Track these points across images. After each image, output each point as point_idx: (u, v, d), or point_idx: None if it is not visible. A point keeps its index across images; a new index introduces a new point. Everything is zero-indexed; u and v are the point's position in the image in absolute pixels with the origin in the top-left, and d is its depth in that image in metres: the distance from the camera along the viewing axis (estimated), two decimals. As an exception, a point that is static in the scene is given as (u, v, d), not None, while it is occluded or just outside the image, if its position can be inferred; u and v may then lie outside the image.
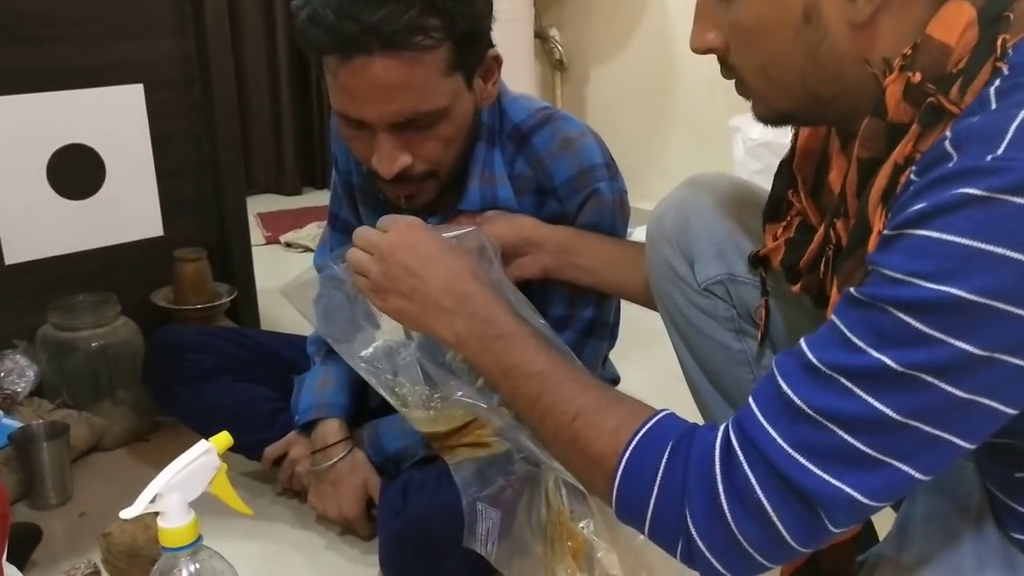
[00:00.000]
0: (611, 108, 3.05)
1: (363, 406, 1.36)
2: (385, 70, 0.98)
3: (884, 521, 0.89)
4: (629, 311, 1.22)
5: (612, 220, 1.16)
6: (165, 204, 1.74)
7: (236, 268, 1.84)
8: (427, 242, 0.94)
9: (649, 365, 1.60)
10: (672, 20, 2.76)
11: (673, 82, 2.79)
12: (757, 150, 2.16)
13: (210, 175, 1.79)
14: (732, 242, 0.98)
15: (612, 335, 1.34)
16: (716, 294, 0.98)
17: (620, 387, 1.51)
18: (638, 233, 1.11)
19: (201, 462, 0.81)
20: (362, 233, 0.97)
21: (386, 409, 1.31)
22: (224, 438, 0.84)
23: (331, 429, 1.30)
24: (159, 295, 1.72)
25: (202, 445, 0.81)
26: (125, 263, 1.71)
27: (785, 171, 0.89)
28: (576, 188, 1.14)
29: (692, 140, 2.78)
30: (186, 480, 0.79)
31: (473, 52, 1.05)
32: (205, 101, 1.74)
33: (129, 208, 1.70)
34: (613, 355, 1.46)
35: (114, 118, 1.65)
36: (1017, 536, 0.75)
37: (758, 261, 0.93)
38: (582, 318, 1.20)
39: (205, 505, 0.80)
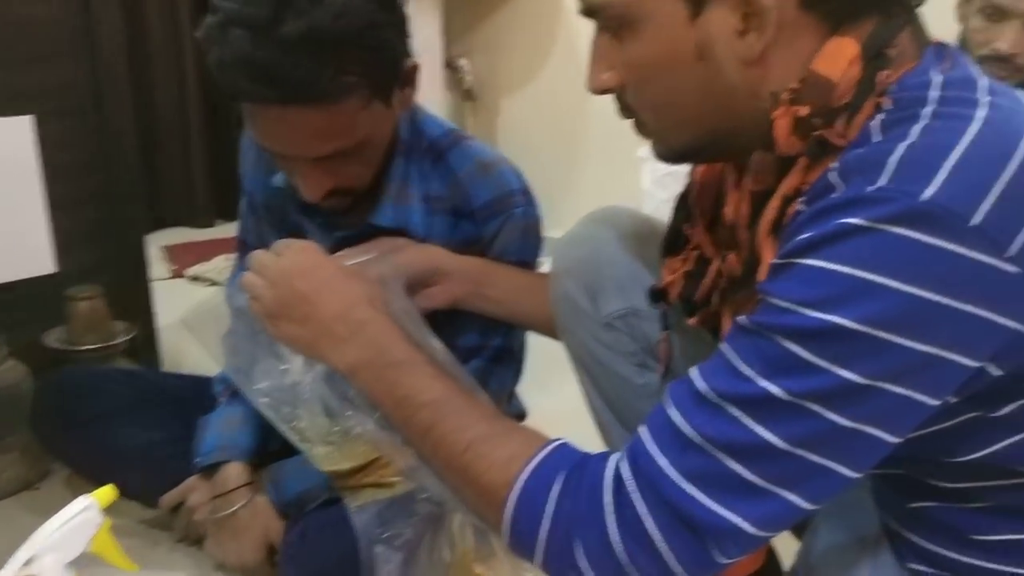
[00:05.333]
0: (522, 137, 3.06)
1: (266, 449, 1.32)
2: (302, 119, 0.96)
3: (788, 554, 0.89)
4: (544, 340, 1.21)
5: (528, 246, 1.17)
6: (58, 239, 1.65)
7: (135, 305, 1.77)
8: (321, 267, 0.91)
9: (561, 395, 1.59)
10: (582, 50, 2.77)
11: (584, 111, 2.82)
12: (665, 180, 2.19)
13: (106, 208, 1.72)
14: (634, 276, 0.98)
15: (518, 369, 1.33)
16: (619, 328, 0.99)
17: (532, 417, 1.50)
18: (547, 264, 1.11)
19: (81, 519, 0.77)
20: (256, 257, 0.94)
21: (289, 452, 1.27)
22: (107, 492, 0.80)
23: (233, 473, 1.25)
24: (51, 335, 1.64)
25: (81, 501, 0.77)
26: (14, 301, 1.62)
27: (682, 205, 0.90)
28: (494, 212, 1.14)
29: (603, 169, 2.81)
30: (64, 540, 0.75)
31: (392, 82, 1.04)
32: (100, 130, 1.68)
33: (18, 244, 1.62)
34: (525, 383, 1.44)
35: (1, 150, 1.57)
36: (913, 566, 0.76)
37: (658, 295, 0.93)
38: (491, 346, 1.19)
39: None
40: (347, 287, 0.90)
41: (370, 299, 0.89)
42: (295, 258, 0.92)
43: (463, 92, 3.10)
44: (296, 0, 0.93)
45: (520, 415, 1.48)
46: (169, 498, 1.30)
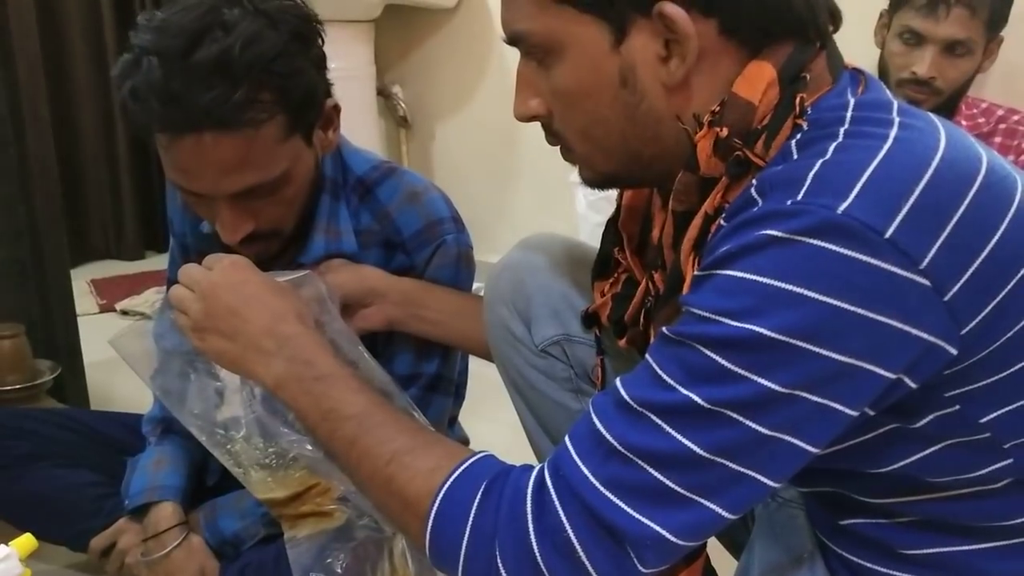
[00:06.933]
0: (457, 163, 3.06)
1: (201, 487, 1.29)
2: (217, 148, 0.95)
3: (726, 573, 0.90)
4: (483, 366, 1.21)
5: (460, 273, 1.16)
6: (-23, 277, 1.62)
7: (60, 343, 1.73)
8: (251, 281, 0.90)
9: (501, 419, 1.59)
10: (514, 76, 2.81)
11: (517, 136, 2.83)
12: (598, 204, 2.20)
13: (28, 244, 1.68)
14: (566, 302, 0.98)
15: (459, 395, 1.32)
16: (553, 355, 0.99)
17: (473, 444, 1.49)
18: (481, 289, 1.11)
19: (-1, 570, 0.73)
20: (187, 270, 0.93)
21: (224, 488, 1.24)
22: (27, 540, 0.77)
23: (164, 514, 1.21)
24: (-29, 376, 1.60)
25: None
26: (-69, 342, 1.58)
27: (611, 229, 0.91)
28: (424, 241, 1.13)
29: (538, 194, 2.83)
30: (-20, 592, 0.72)
31: (310, 113, 1.03)
32: (21, 165, 1.64)
33: (-65, 282, 1.57)
34: (465, 409, 1.44)
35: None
36: (845, 581, 0.77)
37: (590, 319, 0.94)
38: (426, 373, 1.18)
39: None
40: (275, 301, 0.89)
41: (298, 313, 0.89)
42: (225, 272, 0.91)
43: (397, 119, 3.10)
44: (210, 31, 0.93)
45: (462, 442, 1.47)
46: (99, 541, 1.26)
